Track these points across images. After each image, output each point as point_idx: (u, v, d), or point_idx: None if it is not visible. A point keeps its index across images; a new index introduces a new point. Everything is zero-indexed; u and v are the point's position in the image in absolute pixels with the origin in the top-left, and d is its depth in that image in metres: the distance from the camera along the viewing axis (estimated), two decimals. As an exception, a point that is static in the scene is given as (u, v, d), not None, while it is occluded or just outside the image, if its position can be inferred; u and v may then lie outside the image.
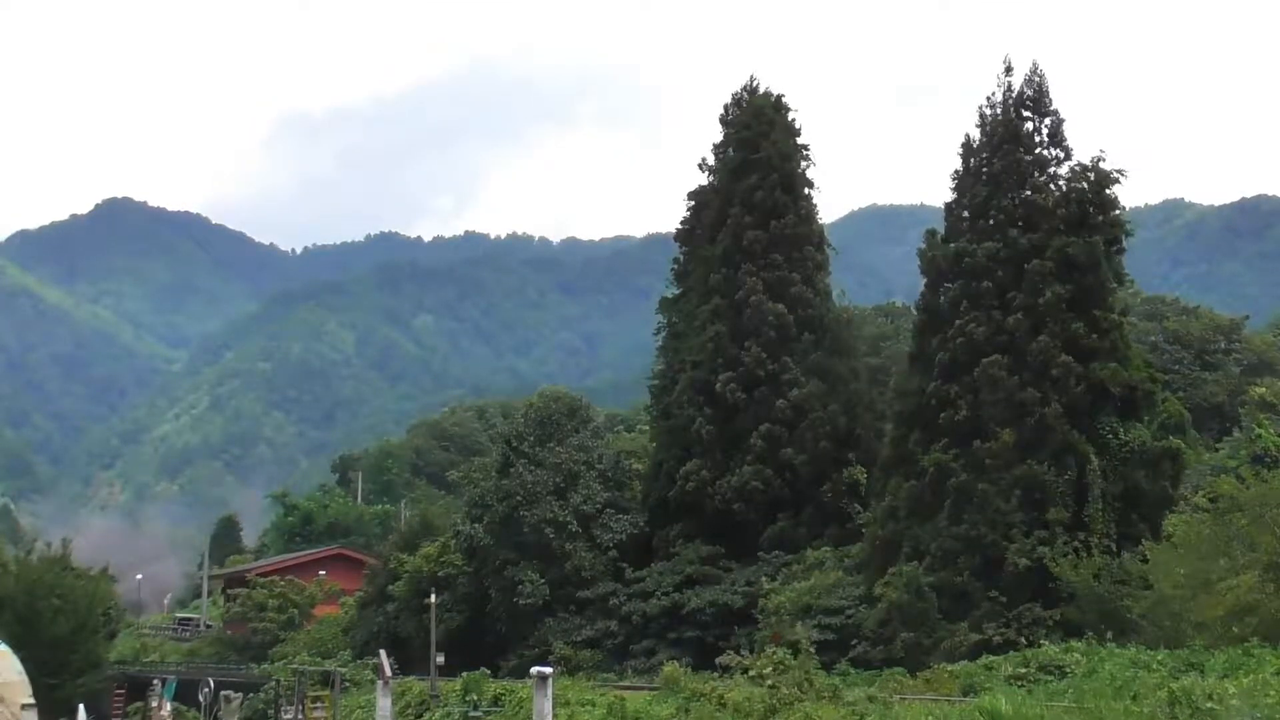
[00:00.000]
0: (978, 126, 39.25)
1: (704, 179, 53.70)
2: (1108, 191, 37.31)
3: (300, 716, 40.32)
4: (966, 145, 39.37)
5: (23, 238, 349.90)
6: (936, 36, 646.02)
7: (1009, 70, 38.98)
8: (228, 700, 41.82)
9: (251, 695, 50.17)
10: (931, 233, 40.71)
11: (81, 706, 37.12)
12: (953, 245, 38.53)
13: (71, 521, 78.52)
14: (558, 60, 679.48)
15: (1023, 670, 26.61)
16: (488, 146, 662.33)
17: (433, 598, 45.96)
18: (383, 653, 36.63)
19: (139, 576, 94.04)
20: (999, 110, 38.92)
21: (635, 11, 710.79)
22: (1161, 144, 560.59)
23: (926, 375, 37.83)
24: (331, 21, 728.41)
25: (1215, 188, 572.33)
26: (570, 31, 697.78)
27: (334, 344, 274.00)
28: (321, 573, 75.52)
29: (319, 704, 41.05)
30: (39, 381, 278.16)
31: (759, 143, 49.11)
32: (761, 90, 51.75)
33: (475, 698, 37.19)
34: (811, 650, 26.58)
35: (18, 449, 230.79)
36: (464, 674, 40.02)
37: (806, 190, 50.33)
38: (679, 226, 55.06)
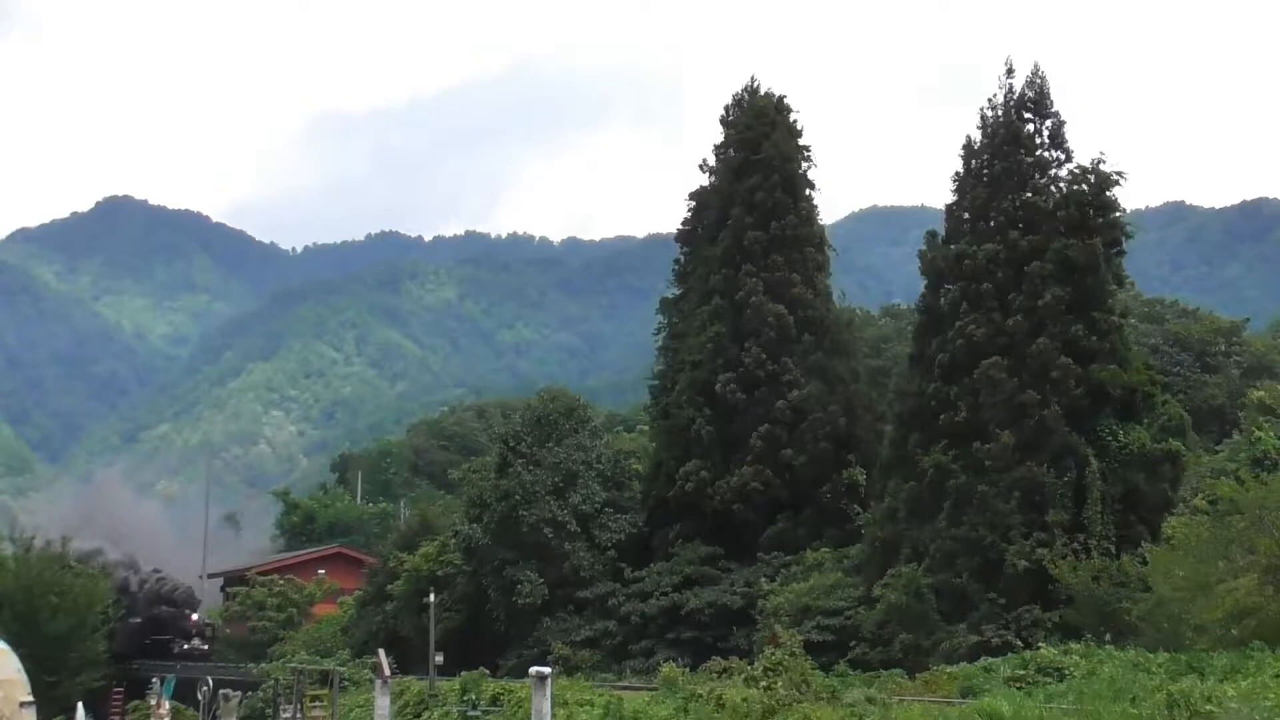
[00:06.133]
0: (979, 128, 39.35)
1: (705, 180, 53.84)
2: (1108, 194, 37.37)
3: (299, 715, 40.32)
4: (967, 147, 39.44)
5: (24, 235, 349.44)
6: (937, 37, 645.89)
7: (1010, 72, 39.13)
8: (226, 699, 41.80)
9: (250, 694, 50.19)
10: (932, 234, 40.81)
11: (80, 704, 37.21)
12: (953, 247, 38.60)
13: (71, 520, 78.30)
14: (593, 61, 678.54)
15: (1021, 672, 26.61)
16: (520, 148, 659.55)
17: (431, 597, 45.98)
18: (381, 652, 36.65)
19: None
20: (1000, 112, 39.00)
21: (655, 13, 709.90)
22: (1163, 147, 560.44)
23: (926, 377, 37.88)
24: (363, 23, 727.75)
25: (1216, 190, 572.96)
26: (608, 33, 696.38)
27: (334, 343, 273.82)
28: (321, 571, 75.53)
29: (318, 703, 41.05)
30: (39, 379, 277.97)
31: (760, 143, 49.16)
32: (763, 91, 51.86)
33: (474, 697, 37.19)
34: (800, 652, 26.62)
35: (17, 447, 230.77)
36: (462, 673, 40.03)
37: (807, 191, 50.40)
38: (680, 227, 55.15)
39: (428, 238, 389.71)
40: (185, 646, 68.08)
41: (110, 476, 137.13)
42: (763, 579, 41.69)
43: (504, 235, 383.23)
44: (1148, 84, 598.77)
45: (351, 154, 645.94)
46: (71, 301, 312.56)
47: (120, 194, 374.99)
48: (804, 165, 50.49)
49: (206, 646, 68.36)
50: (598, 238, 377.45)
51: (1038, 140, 38.79)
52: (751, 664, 28.34)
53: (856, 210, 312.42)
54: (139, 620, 69.08)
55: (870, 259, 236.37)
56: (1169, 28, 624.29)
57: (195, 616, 71.36)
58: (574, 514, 47.29)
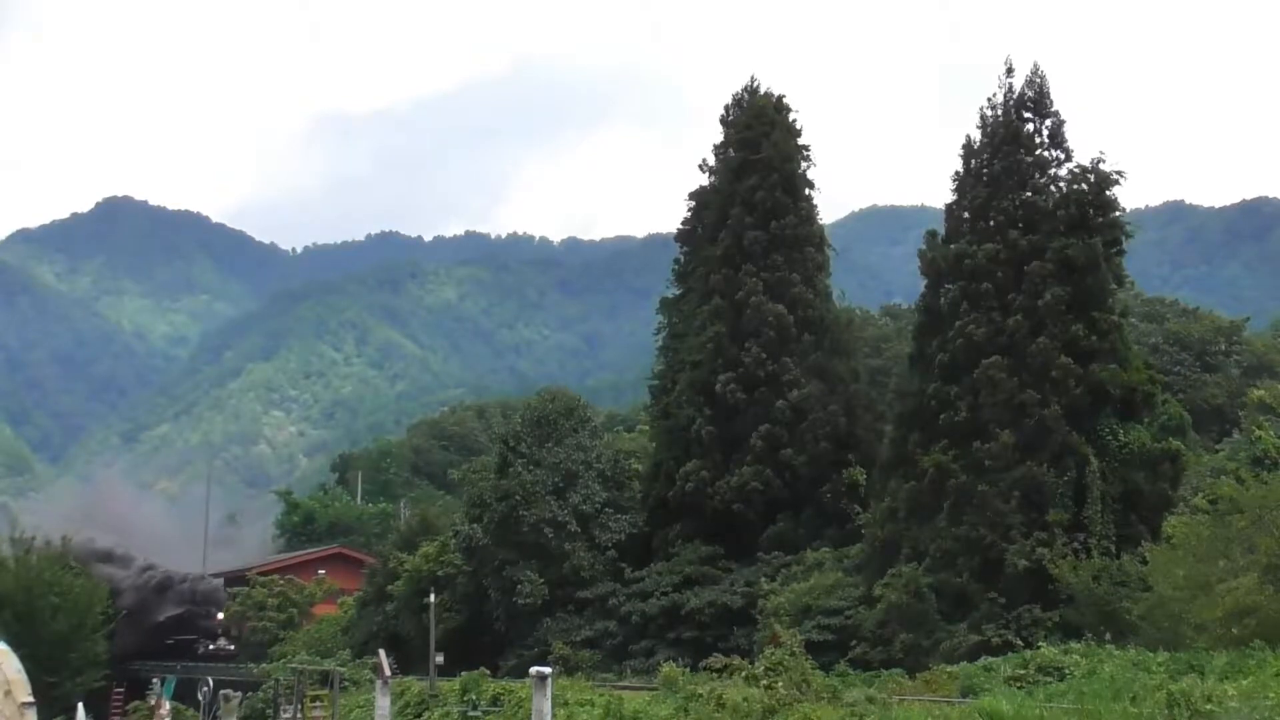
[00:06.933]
0: (978, 128, 39.36)
1: (705, 179, 53.84)
2: (1108, 193, 37.36)
3: (299, 716, 40.31)
4: (967, 146, 39.44)
5: (24, 235, 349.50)
6: (937, 37, 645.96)
7: (1010, 71, 39.15)
8: (227, 699, 41.85)
9: (250, 694, 50.16)
10: (932, 234, 40.80)
11: (81, 705, 37.22)
12: (953, 246, 38.58)
13: (72, 520, 78.24)
14: (593, 62, 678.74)
15: (1022, 672, 26.62)
16: (521, 148, 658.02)
17: (432, 597, 45.96)
18: (382, 652, 36.64)
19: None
20: (1000, 111, 39.02)
21: (655, 13, 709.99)
22: (1163, 146, 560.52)
23: (926, 376, 37.88)
24: (364, 24, 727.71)
25: (1216, 190, 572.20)
26: (608, 33, 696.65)
27: (334, 344, 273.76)
28: (321, 572, 75.47)
29: (318, 703, 41.04)
30: (39, 380, 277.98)
31: (760, 143, 49.15)
32: (762, 91, 51.88)
33: (474, 697, 37.19)
34: (799, 652, 26.63)
35: (17, 447, 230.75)
36: (463, 673, 40.02)
37: (807, 191, 50.38)
38: (680, 227, 55.17)
39: (428, 238, 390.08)
40: (211, 647, 66.55)
41: (110, 477, 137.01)
42: (763, 579, 41.67)
43: (504, 235, 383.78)
44: (1148, 84, 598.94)
45: (352, 154, 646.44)
46: (71, 302, 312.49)
47: (120, 194, 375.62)
48: (804, 165, 50.48)
49: (233, 647, 66.37)
50: (598, 238, 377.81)
51: (1037, 140, 38.79)
52: (752, 663, 28.31)
53: (856, 210, 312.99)
54: (160, 620, 67.90)
55: (870, 259, 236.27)
56: (1168, 27, 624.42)
57: (220, 616, 69.99)
58: (574, 514, 47.27)
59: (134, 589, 69.34)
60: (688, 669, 35.09)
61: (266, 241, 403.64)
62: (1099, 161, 37.54)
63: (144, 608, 68.58)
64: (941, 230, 40.26)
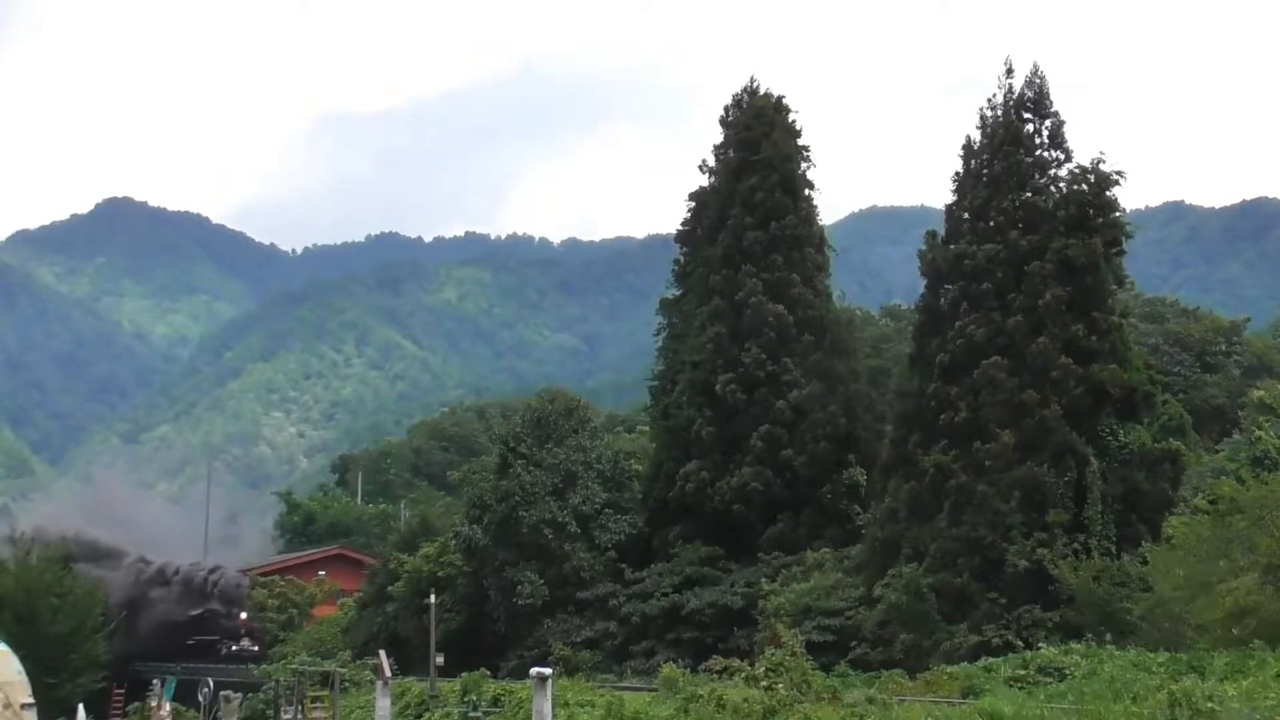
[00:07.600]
0: (978, 128, 39.36)
1: (705, 180, 53.78)
2: (1108, 193, 37.37)
3: (300, 717, 40.26)
4: (967, 147, 39.44)
5: (24, 236, 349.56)
6: (937, 37, 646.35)
7: (1010, 72, 39.16)
8: (227, 700, 41.77)
9: (251, 695, 50.10)
10: (932, 234, 40.80)
11: (81, 706, 37.20)
12: (953, 247, 38.59)
13: (74, 522, 78.14)
14: (594, 63, 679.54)
15: (1022, 672, 26.65)
16: (521, 148, 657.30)
17: (432, 598, 45.92)
18: (382, 653, 36.58)
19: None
20: (999, 112, 39.01)
21: (656, 14, 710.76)
22: (1162, 146, 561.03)
23: (926, 376, 37.89)
24: (365, 25, 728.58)
25: (1216, 190, 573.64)
26: (609, 34, 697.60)
27: (334, 344, 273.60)
28: (321, 573, 75.44)
29: (318, 704, 40.99)
30: (39, 380, 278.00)
31: (759, 144, 49.15)
32: (762, 91, 51.84)
33: (474, 698, 37.14)
34: (800, 652, 26.64)
35: (18, 449, 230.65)
36: (463, 674, 39.97)
37: (807, 191, 50.39)
38: (680, 227, 55.07)
39: (428, 238, 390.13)
40: (234, 648, 65.72)
41: (109, 477, 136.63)
42: (763, 579, 41.66)
43: (504, 236, 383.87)
44: (1147, 84, 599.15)
45: (353, 155, 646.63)
46: (71, 302, 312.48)
47: (120, 195, 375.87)
48: (803, 165, 50.47)
49: (257, 647, 64.32)
50: (598, 238, 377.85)
51: (1037, 140, 38.79)
52: (752, 664, 28.31)
53: (856, 210, 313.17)
54: (182, 620, 67.15)
55: (870, 259, 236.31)
56: (1168, 27, 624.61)
57: (244, 615, 69.26)
58: (574, 515, 47.27)
59: (125, 585, 68.39)
60: (688, 670, 35.11)
61: (266, 242, 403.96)
62: (1099, 162, 37.60)
63: (139, 603, 67.62)
64: (941, 230, 40.26)
